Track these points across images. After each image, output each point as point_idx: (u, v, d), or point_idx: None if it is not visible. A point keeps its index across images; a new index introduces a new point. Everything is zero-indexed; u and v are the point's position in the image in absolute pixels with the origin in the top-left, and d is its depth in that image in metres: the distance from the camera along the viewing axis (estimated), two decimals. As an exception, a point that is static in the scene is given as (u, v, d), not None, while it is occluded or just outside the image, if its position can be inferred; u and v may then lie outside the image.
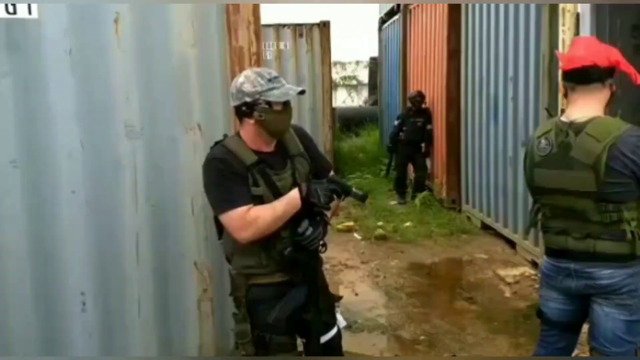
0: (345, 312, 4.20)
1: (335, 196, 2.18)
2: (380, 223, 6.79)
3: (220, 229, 2.31)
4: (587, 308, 2.27)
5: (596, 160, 2.08)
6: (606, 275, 2.17)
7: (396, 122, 8.16)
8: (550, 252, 2.33)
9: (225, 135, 2.36)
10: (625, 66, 2.22)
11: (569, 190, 2.17)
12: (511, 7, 5.54)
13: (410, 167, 8.36)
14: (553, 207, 2.27)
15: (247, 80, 2.15)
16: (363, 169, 10.10)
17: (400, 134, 7.99)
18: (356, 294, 4.76)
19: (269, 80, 2.15)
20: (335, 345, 2.42)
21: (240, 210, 2.11)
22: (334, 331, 2.41)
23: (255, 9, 2.69)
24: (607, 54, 2.19)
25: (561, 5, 3.81)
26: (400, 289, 4.81)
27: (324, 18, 8.91)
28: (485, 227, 6.41)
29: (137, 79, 2.59)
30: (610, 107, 2.37)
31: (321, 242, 2.24)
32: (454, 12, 7.06)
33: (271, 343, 2.21)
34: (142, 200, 2.64)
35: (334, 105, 10.90)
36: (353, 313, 4.26)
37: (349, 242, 6.23)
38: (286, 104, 2.18)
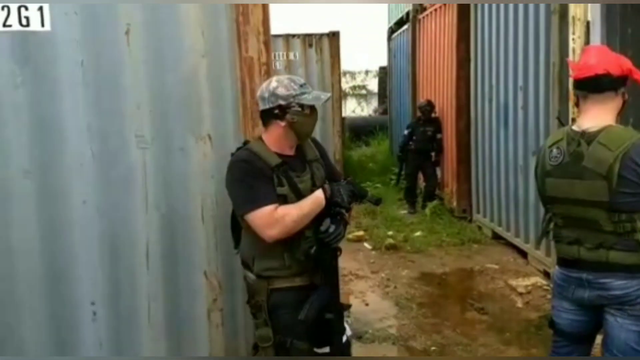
0: (356, 322, 4.19)
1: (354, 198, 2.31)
2: (390, 232, 6.77)
3: (237, 236, 2.39)
4: (600, 319, 2.25)
5: (609, 170, 2.07)
6: (619, 285, 2.14)
7: (406, 132, 8.16)
8: (563, 262, 2.31)
9: (247, 141, 2.42)
10: (638, 75, 2.21)
11: (581, 200, 2.15)
12: (521, 15, 5.54)
13: (421, 177, 8.33)
14: (565, 217, 2.25)
15: (281, 84, 2.26)
16: (373, 178, 10.09)
17: (410, 143, 7.99)
18: (366, 304, 4.73)
19: (301, 85, 2.29)
20: (347, 354, 2.46)
21: (268, 208, 2.18)
22: (343, 339, 2.43)
23: (265, 19, 2.71)
24: (619, 62, 2.18)
25: (571, 14, 3.80)
26: (411, 299, 4.78)
27: (334, 28, 8.96)
28: (497, 237, 6.37)
29: (148, 89, 2.60)
30: (622, 116, 2.35)
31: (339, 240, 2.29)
32: (463, 21, 7.06)
33: (292, 348, 2.26)
34: (153, 209, 2.64)
35: (343, 114, 10.92)
36: (363, 323, 4.24)
37: (359, 252, 6.21)
38: (313, 109, 2.31)
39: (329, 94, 2.38)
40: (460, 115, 7.28)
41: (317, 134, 9.18)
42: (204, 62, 2.68)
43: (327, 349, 2.40)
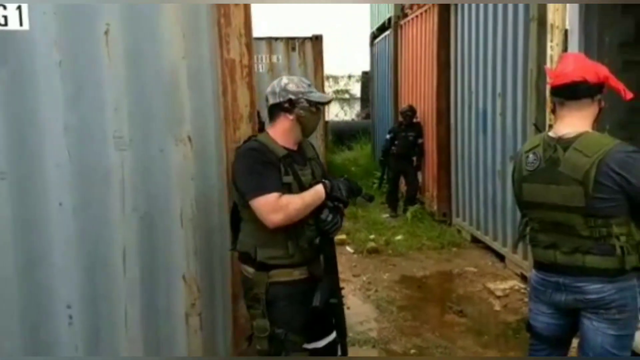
0: (336, 325, 4.18)
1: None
2: (372, 236, 6.79)
3: (235, 230, 2.51)
4: (577, 322, 2.27)
5: (585, 176, 2.09)
6: (595, 289, 2.17)
7: (388, 136, 8.20)
8: (539, 265, 2.34)
9: (253, 135, 2.57)
10: (615, 82, 2.24)
11: (557, 205, 2.18)
12: (500, 22, 5.61)
13: (402, 181, 8.38)
14: (541, 221, 2.28)
15: (292, 81, 2.47)
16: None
17: (392, 147, 8.03)
18: (348, 308, 4.72)
19: (309, 85, 2.50)
20: (333, 352, 2.57)
21: (273, 195, 2.29)
22: (333, 335, 2.57)
23: (247, 22, 2.70)
24: (596, 70, 2.22)
25: (550, 22, 3.85)
26: (392, 302, 4.80)
27: (317, 32, 8.97)
28: (475, 241, 6.44)
29: (127, 90, 2.57)
30: (599, 123, 2.39)
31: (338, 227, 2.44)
32: (444, 27, 7.13)
33: (286, 340, 2.37)
34: (130, 212, 2.60)
35: (326, 118, 10.92)
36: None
37: (340, 256, 6.19)
38: (318, 108, 2.51)
39: (332, 97, 2.62)
40: (441, 121, 7.34)
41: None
42: (185, 64, 2.66)
43: (318, 344, 2.53)
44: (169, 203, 2.69)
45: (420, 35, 8.13)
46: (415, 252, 6.27)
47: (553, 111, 2.31)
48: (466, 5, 6.57)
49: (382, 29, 11.04)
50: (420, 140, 7.95)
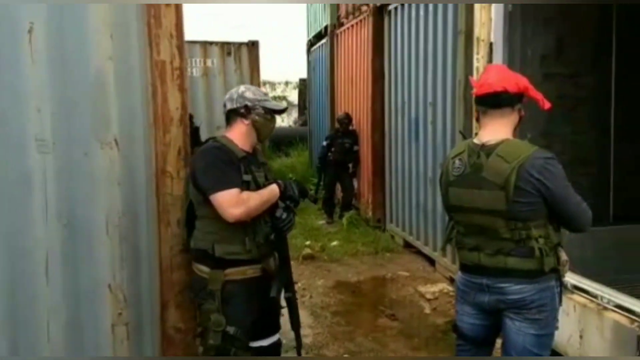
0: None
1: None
2: (308, 242, 6.81)
3: (190, 229, 2.59)
4: (500, 323, 2.36)
5: (506, 181, 2.18)
6: (516, 290, 2.25)
7: (325, 143, 8.28)
8: (465, 268, 2.42)
9: (212, 137, 2.67)
10: (534, 92, 2.36)
11: (481, 209, 2.27)
12: (430, 34, 5.80)
13: (338, 187, 8.47)
14: (467, 225, 2.36)
15: (249, 90, 2.65)
16: (291, 189, 10.11)
17: (329, 154, 8.11)
18: (282, 314, 4.71)
19: (265, 94, 2.72)
20: (277, 352, 2.74)
21: (235, 190, 2.41)
22: (277, 337, 2.74)
23: (178, 23, 2.66)
24: (516, 81, 2.32)
25: (476, 35, 4.02)
26: (326, 308, 4.83)
27: (254, 38, 8.92)
28: (408, 246, 6.60)
29: (51, 91, 2.48)
30: (520, 131, 2.51)
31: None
32: (378, 37, 7.28)
33: (236, 338, 2.49)
34: (53, 219, 2.51)
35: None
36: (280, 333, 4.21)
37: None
38: (273, 116, 2.67)
39: (285, 105, 2.88)
40: (376, 129, 7.48)
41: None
42: (112, 65, 2.59)
43: (263, 343, 2.67)
44: (94, 209, 2.60)
45: (355, 44, 8.27)
46: (350, 257, 6.34)
47: (477, 119, 2.41)
48: (399, 16, 6.74)
49: (318, 37, 11.14)
50: (356, 148, 8.07)
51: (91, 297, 2.63)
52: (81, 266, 2.59)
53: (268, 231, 2.54)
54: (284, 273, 2.62)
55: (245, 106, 2.58)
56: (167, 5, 2.63)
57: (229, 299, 2.49)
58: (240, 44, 8.46)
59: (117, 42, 2.61)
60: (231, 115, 2.61)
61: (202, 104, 7.73)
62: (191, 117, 7.82)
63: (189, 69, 7.81)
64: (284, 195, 2.58)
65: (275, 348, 2.76)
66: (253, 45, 8.48)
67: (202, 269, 2.54)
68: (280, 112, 2.72)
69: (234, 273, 2.50)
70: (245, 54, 8.23)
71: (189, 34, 2.85)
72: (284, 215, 2.55)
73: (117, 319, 2.70)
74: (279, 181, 2.62)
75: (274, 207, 2.55)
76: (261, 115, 2.60)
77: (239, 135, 2.59)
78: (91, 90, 2.57)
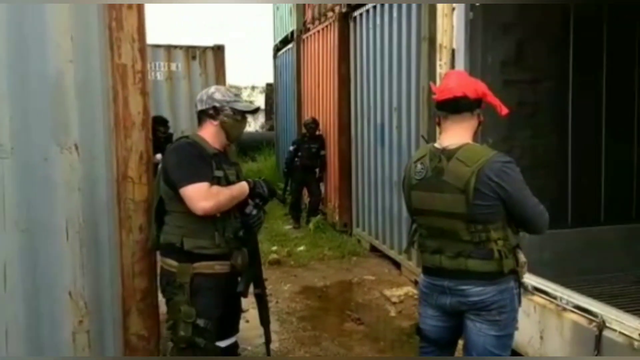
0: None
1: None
2: (274, 247, 6.79)
3: (160, 225, 2.60)
4: (462, 324, 2.40)
5: (466, 184, 2.23)
6: (477, 292, 2.30)
7: (291, 148, 8.28)
8: (427, 270, 2.45)
9: (185, 136, 2.72)
10: (492, 98, 2.42)
11: (442, 212, 2.31)
12: (395, 40, 5.88)
13: (305, 192, 8.47)
14: (429, 228, 2.39)
15: (218, 91, 2.67)
16: (258, 194, 10.07)
17: (296, 159, 8.11)
18: (247, 321, 4.66)
19: (235, 95, 2.71)
20: (233, 354, 2.77)
21: (205, 184, 2.46)
22: (233, 339, 2.77)
23: (140, 26, 2.63)
24: (475, 87, 2.38)
25: (438, 42, 4.09)
26: (292, 313, 4.81)
27: (220, 42, 8.88)
28: (374, 250, 6.64)
29: (9, 94, 2.43)
30: (479, 136, 2.56)
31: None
32: (344, 42, 7.34)
33: (206, 330, 2.51)
34: (11, 225, 2.45)
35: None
36: (242, 340, 4.17)
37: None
38: (243, 117, 2.69)
39: (257, 106, 2.89)
40: (342, 133, 7.52)
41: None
42: (72, 68, 2.55)
43: (221, 344, 2.66)
44: (54, 215, 2.55)
45: (321, 50, 8.31)
46: (316, 262, 6.35)
47: (438, 124, 2.45)
48: (364, 22, 6.81)
49: (285, 41, 11.16)
50: (322, 152, 8.10)
51: (51, 304, 2.58)
52: (40, 273, 2.54)
53: (237, 227, 2.58)
54: (253, 269, 2.65)
55: (214, 107, 2.61)
56: (129, 7, 2.60)
57: (198, 291, 2.52)
58: (205, 48, 8.41)
59: (77, 44, 2.57)
60: (201, 116, 2.66)
61: (166, 108, 7.65)
62: (166, 122, 7.66)
63: (153, 73, 7.72)
64: (253, 192, 2.64)
65: (232, 350, 2.79)
66: (219, 49, 8.44)
67: (171, 264, 2.56)
68: (251, 113, 2.75)
69: (202, 267, 2.53)
70: (211, 58, 8.18)
71: (153, 38, 2.82)
72: (254, 212, 2.60)
73: (78, 326, 2.65)
74: (249, 179, 2.69)
75: (244, 203, 2.60)
76: (230, 117, 2.63)
77: (209, 134, 2.63)
78: (51, 93, 2.52)
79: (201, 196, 2.44)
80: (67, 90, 2.55)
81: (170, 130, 6.74)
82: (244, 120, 2.71)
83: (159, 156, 7.23)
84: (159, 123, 7.14)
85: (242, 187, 2.62)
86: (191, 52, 8.20)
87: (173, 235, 2.55)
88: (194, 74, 8.14)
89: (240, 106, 2.66)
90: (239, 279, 2.61)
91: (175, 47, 8.19)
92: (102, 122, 2.65)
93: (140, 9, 2.64)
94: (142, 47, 2.64)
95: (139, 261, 2.72)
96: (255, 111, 2.84)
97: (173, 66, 8.08)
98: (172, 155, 2.57)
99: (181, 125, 8.00)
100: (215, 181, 2.51)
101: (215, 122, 2.62)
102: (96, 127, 2.64)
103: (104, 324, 2.71)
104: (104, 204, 2.67)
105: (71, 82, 2.55)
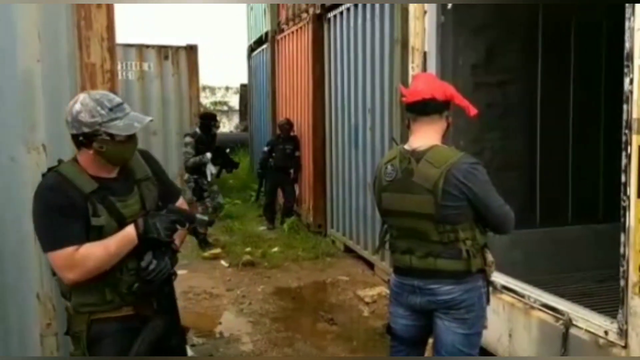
0: (207, 342, 4.11)
1: (179, 226, 2.10)
2: (248, 249, 6.77)
3: None
4: (432, 323, 2.43)
5: (434, 185, 2.26)
6: (445, 291, 2.33)
7: (266, 149, 8.27)
8: (397, 270, 2.48)
9: (60, 161, 2.10)
10: (460, 100, 2.46)
11: (412, 212, 2.34)
12: (368, 42, 5.92)
13: (280, 193, 8.47)
14: (399, 228, 2.42)
15: (85, 109, 1.97)
16: (233, 195, 10.04)
17: (270, 160, 8.10)
18: (220, 323, 4.67)
19: (110, 109, 1.99)
20: None
21: (68, 250, 1.95)
22: None
23: (110, 25, 2.61)
24: (443, 89, 2.42)
25: (411, 44, 4.14)
26: (265, 315, 4.81)
27: (193, 42, 8.84)
28: (348, 250, 6.67)
29: (-27, 93, 2.38)
30: (450, 137, 2.60)
31: (170, 272, 2.12)
32: (318, 44, 7.36)
33: None
34: (-24, 226, 2.40)
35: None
36: (214, 342, 4.18)
37: (214, 270, 6.13)
38: (130, 136, 2.04)
39: (147, 119, 2.10)
40: (317, 135, 7.54)
41: (173, 149, 8.99)
42: (40, 67, 2.52)
43: None
44: (21, 215, 2.49)
45: (296, 51, 8.32)
46: (290, 263, 6.35)
47: (408, 126, 2.48)
48: (338, 24, 6.84)
49: (259, 42, 11.13)
50: (297, 153, 8.10)
51: (18, 307, 2.55)
52: (7, 275, 2.50)
53: (131, 280, 2.05)
54: (156, 325, 2.10)
55: (84, 134, 1.98)
56: (98, 6, 2.58)
57: (97, 341, 2.06)
58: (178, 48, 8.37)
59: (45, 43, 2.53)
60: (73, 140, 2.04)
61: (137, 108, 7.57)
62: (214, 118, 7.44)
63: (124, 73, 7.64)
64: (144, 238, 2.02)
65: None
66: (192, 49, 8.42)
67: (68, 306, 2.09)
68: (131, 135, 2.03)
69: (102, 311, 2.05)
70: (184, 58, 8.16)
71: (125, 37, 2.79)
72: (152, 265, 2.03)
73: (46, 329, 2.62)
74: (139, 220, 2.03)
75: (140, 251, 2.04)
76: (107, 142, 1.98)
77: (88, 163, 2.04)
78: (18, 93, 2.49)
79: (63, 266, 1.96)
80: (35, 89, 2.51)
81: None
82: (131, 140, 2.05)
83: (209, 155, 7.04)
84: (213, 119, 6.98)
85: (124, 238, 2.01)
86: (163, 51, 8.15)
87: (62, 285, 2.08)
88: (167, 74, 8.11)
89: (119, 127, 1.98)
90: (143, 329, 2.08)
91: (148, 46, 8.13)
92: (71, 122, 2.60)
93: (109, 8, 2.61)
94: (112, 46, 2.62)
95: (108, 263, 2.68)
96: (137, 129, 2.05)
97: (145, 66, 8.02)
98: (33, 205, 2.01)
99: (153, 126, 7.94)
100: (95, 232, 1.98)
101: (90, 151, 2.00)
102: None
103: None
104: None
105: (39, 82, 2.52)
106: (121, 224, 2.03)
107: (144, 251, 2.04)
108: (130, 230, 2.02)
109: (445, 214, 2.27)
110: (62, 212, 1.95)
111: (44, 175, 2.07)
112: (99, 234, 1.99)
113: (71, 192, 1.98)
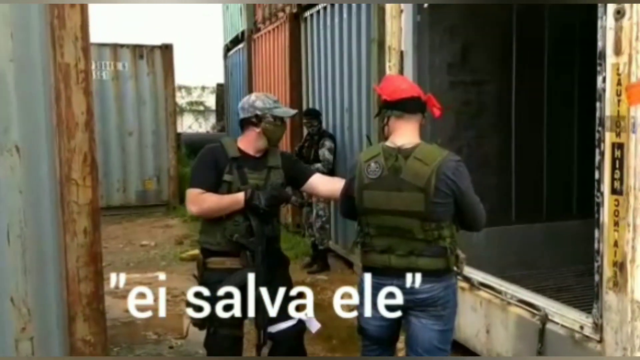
0: (185, 344, 4.08)
1: (277, 201, 2.81)
2: (227, 249, 6.71)
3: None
4: (401, 321, 2.44)
5: (426, 182, 2.28)
6: (426, 289, 2.35)
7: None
8: (372, 270, 2.48)
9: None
10: (430, 99, 2.49)
11: (398, 210, 2.33)
12: (345, 42, 5.94)
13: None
14: (379, 227, 2.41)
15: (259, 99, 2.87)
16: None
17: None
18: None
19: (274, 101, 2.89)
20: (287, 338, 2.93)
21: (197, 190, 2.74)
22: (284, 325, 2.88)
23: (84, 24, 2.56)
24: (419, 89, 2.45)
25: (387, 44, 4.16)
26: (244, 315, 4.77)
27: (168, 41, 8.75)
28: (327, 250, 6.65)
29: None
30: (431, 136, 2.61)
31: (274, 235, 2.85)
32: (295, 43, 7.35)
33: (214, 318, 2.59)
34: (-53, 229, 2.34)
35: (179, 130, 10.62)
36: (193, 344, 4.13)
37: (194, 271, 6.05)
38: (283, 121, 2.88)
39: (293, 111, 3.04)
40: (294, 134, 7.52)
41: (149, 148, 8.88)
42: (12, 67, 2.46)
43: (289, 323, 2.90)
44: (-7, 218, 2.44)
45: (273, 50, 8.30)
46: (269, 263, 6.31)
47: (386, 124, 2.47)
48: (315, 23, 6.85)
49: (235, 41, 11.07)
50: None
51: (-9, 312, 2.48)
52: (-21, 279, 2.44)
53: (234, 230, 2.71)
54: (240, 274, 2.65)
55: (256, 115, 2.80)
56: (72, 5, 2.53)
57: (206, 284, 2.67)
58: (153, 47, 8.28)
59: (18, 43, 2.47)
60: (244, 123, 2.85)
61: (112, 108, 7.49)
62: (319, 114, 7.05)
63: (98, 73, 7.53)
64: (248, 203, 2.69)
65: (286, 335, 2.96)
66: (167, 49, 8.34)
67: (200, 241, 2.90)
68: (290, 117, 2.98)
69: (213, 262, 2.77)
70: (159, 57, 8.07)
71: (99, 37, 2.76)
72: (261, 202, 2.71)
73: (21, 333, 2.55)
74: (248, 190, 2.71)
75: (246, 213, 2.72)
76: (271, 123, 2.81)
77: (247, 140, 2.84)
78: (-11, 93, 2.42)
79: (190, 200, 2.74)
80: (7, 90, 2.45)
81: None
82: (284, 125, 2.91)
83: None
84: (314, 116, 6.63)
85: (234, 198, 2.72)
86: (138, 51, 8.05)
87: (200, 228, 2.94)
88: (142, 73, 8.01)
89: (279, 112, 2.85)
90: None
91: (122, 46, 8.03)
92: (45, 122, 2.56)
93: (83, 7, 2.57)
94: (86, 45, 2.57)
95: (84, 266, 2.64)
96: (294, 116, 3.06)
97: (119, 65, 7.91)
98: (197, 156, 2.90)
99: (128, 126, 7.83)
100: (225, 186, 2.71)
101: (257, 129, 2.81)
102: (38, 128, 2.54)
103: (48, 330, 2.61)
104: (48, 207, 2.58)
105: (12, 82, 2.46)
106: (244, 184, 2.73)
107: (252, 214, 2.71)
108: (240, 195, 2.72)
109: (433, 211, 2.29)
110: (207, 165, 2.79)
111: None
112: (228, 188, 2.73)
113: (220, 154, 2.79)
